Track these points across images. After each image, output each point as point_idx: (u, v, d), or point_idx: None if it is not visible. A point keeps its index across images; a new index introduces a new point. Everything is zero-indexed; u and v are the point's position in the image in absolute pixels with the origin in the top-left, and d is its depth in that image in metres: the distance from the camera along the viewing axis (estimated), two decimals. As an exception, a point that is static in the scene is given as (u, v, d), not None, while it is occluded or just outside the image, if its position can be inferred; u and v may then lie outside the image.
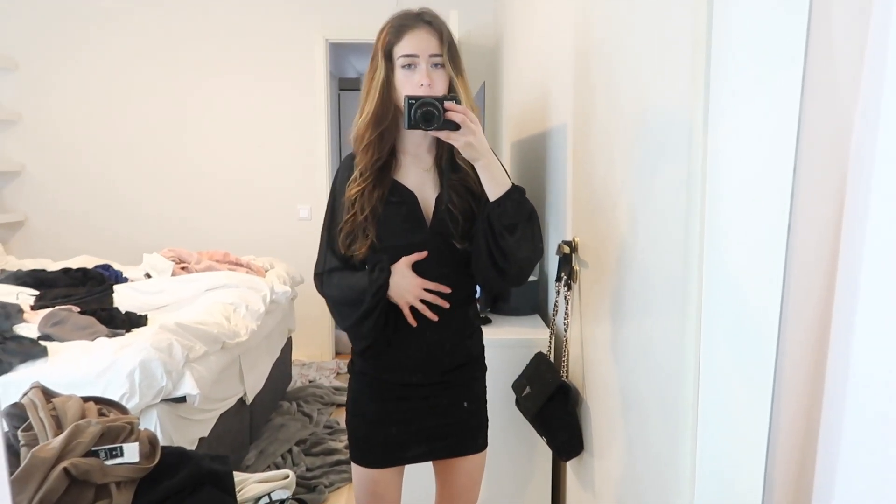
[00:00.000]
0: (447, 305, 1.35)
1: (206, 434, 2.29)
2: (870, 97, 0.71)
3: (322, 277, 1.43)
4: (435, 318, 1.36)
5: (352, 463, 1.46)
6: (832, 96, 0.74)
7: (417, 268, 1.37)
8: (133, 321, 2.45)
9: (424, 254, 1.34)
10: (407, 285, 1.33)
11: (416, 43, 1.28)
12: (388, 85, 1.31)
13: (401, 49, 1.29)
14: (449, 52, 1.30)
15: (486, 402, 1.51)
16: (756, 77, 0.86)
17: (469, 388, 1.46)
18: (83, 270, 3.07)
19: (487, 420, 1.51)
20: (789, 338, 0.87)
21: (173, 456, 1.07)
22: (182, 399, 2.09)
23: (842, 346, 0.81)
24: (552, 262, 2.08)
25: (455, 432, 1.44)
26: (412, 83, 1.28)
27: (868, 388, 0.77)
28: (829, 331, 0.84)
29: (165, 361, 2.03)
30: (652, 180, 1.25)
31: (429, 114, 1.20)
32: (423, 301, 1.35)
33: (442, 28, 1.30)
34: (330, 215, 1.43)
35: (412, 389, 1.41)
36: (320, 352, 4.41)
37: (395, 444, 1.42)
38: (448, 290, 1.35)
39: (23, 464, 0.92)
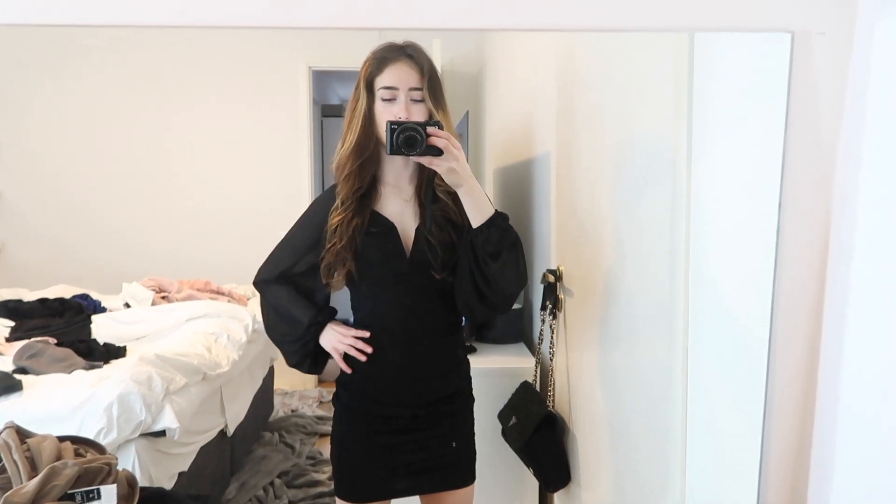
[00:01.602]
0: (363, 358, 1.38)
1: (185, 468, 2.24)
2: (852, 129, 0.73)
3: (264, 284, 1.49)
4: (364, 357, 1.38)
5: (336, 499, 1.43)
6: (815, 128, 0.75)
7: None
8: (112, 352, 2.40)
9: (367, 334, 1.39)
10: (334, 336, 1.42)
11: (396, 76, 1.29)
12: (370, 115, 1.32)
13: (381, 81, 1.30)
14: (429, 86, 1.30)
15: (473, 434, 1.49)
16: (739, 111, 0.87)
17: (457, 422, 1.44)
18: (61, 300, 3.02)
19: (475, 453, 1.49)
20: (779, 365, 0.87)
21: (153, 497, 1.04)
22: (161, 433, 2.04)
23: (831, 374, 0.81)
24: (537, 291, 2.08)
25: (442, 466, 1.42)
26: (391, 115, 1.29)
27: (858, 417, 0.77)
28: (818, 358, 0.84)
29: (145, 394, 1.98)
30: (636, 210, 1.26)
31: (411, 139, 1.20)
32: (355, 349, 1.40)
33: (423, 62, 1.31)
34: (295, 232, 1.47)
35: (398, 422, 1.39)
36: (303, 380, 4.35)
37: (380, 479, 1.40)
38: (367, 334, 1.39)
39: (-5, 509, 0.89)
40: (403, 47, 1.31)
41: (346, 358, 1.41)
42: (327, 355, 1.47)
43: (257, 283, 1.51)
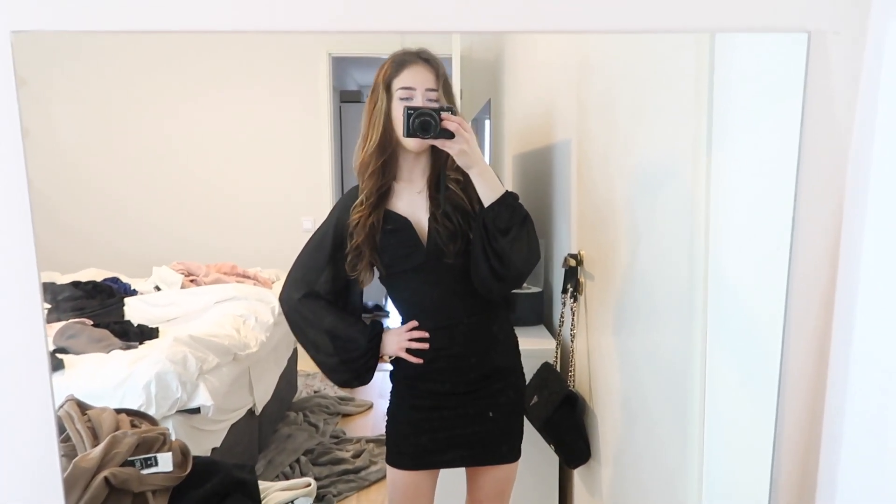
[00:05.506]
0: (426, 346, 1.46)
1: (218, 444, 2.33)
2: (864, 126, 0.77)
3: (298, 301, 1.49)
4: (420, 361, 1.46)
5: (387, 465, 1.53)
6: (830, 124, 0.79)
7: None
8: (145, 333, 2.49)
9: (415, 324, 1.47)
10: (394, 340, 1.48)
11: (413, 77, 1.38)
12: (388, 115, 1.40)
13: (400, 82, 1.38)
14: (444, 88, 1.40)
15: (520, 413, 1.56)
16: (758, 108, 0.91)
17: (496, 399, 1.51)
18: (93, 283, 3.12)
19: (521, 432, 1.56)
20: (793, 349, 0.92)
21: (204, 465, 1.12)
22: (196, 410, 2.13)
23: (842, 357, 0.86)
24: (558, 274, 2.13)
25: (483, 441, 1.50)
26: None
27: (866, 398, 0.82)
28: (829, 342, 0.89)
29: (180, 373, 2.07)
30: (655, 200, 1.31)
31: (426, 123, 1.29)
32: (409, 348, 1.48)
33: (438, 66, 1.41)
34: (317, 240, 1.50)
35: (443, 398, 1.48)
36: (324, 362, 4.44)
37: (427, 449, 1.49)
38: (416, 324, 1.47)
39: (64, 473, 0.96)
40: (419, 52, 1.40)
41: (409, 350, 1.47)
42: (375, 362, 1.51)
43: (290, 301, 1.49)
